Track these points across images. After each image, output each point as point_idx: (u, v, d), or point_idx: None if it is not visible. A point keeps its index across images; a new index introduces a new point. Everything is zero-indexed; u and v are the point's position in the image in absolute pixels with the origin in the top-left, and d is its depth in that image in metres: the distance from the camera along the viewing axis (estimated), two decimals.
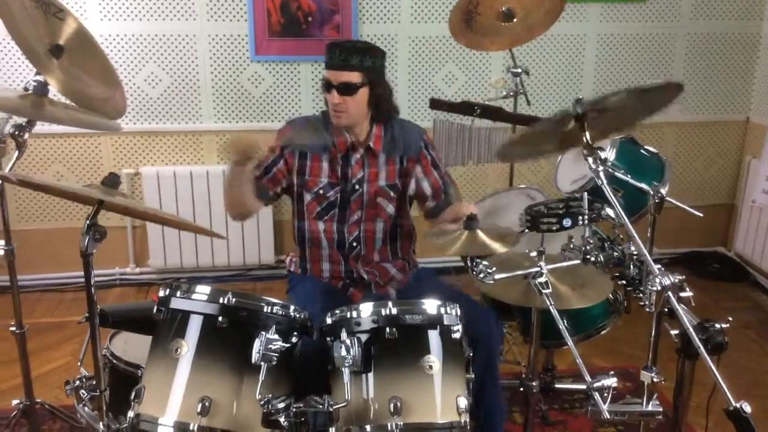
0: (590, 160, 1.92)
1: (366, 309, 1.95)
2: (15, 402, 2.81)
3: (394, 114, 2.69)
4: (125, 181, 4.15)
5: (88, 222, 1.77)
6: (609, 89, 4.37)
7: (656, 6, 4.33)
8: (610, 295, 2.61)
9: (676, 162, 4.66)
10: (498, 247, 1.99)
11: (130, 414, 1.88)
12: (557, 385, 3.24)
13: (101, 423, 1.88)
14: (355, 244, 2.68)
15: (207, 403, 1.83)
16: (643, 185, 2.46)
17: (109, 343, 2.37)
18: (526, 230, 2.13)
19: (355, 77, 2.48)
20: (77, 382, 1.98)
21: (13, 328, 2.73)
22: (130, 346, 2.32)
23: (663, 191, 2.41)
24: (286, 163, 2.62)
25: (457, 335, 1.97)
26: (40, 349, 3.56)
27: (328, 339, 1.98)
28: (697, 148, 4.67)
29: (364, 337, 1.91)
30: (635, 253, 2.37)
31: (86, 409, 1.95)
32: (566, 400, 3.28)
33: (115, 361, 2.28)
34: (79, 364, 2.13)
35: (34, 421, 2.89)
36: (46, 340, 3.68)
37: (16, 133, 2.25)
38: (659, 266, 2.46)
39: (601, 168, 1.94)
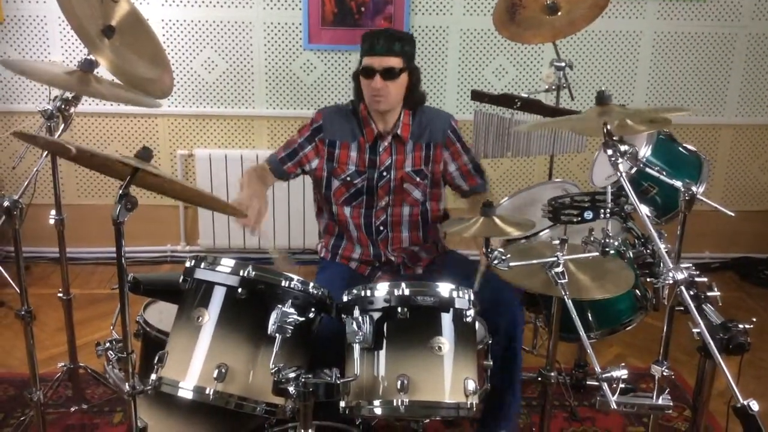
0: (609, 152, 1.92)
1: (380, 288, 2.00)
2: (60, 364, 2.96)
3: (422, 100, 2.77)
4: (179, 161, 4.30)
5: (120, 192, 1.85)
6: (663, 88, 4.33)
7: (716, 4, 4.23)
8: (638, 291, 2.60)
9: (731, 165, 4.55)
10: (513, 232, 2.01)
11: (153, 377, 1.98)
12: (588, 382, 3.24)
13: (127, 384, 1.97)
14: (382, 228, 2.75)
15: (224, 370, 1.91)
16: (676, 182, 2.43)
17: (144, 311, 2.49)
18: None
19: (397, 62, 2.59)
20: (107, 344, 2.08)
21: (60, 295, 2.89)
22: (165, 316, 2.43)
23: (695, 189, 2.37)
24: (316, 149, 2.70)
25: (469, 319, 2.00)
26: (91, 318, 3.74)
27: (343, 316, 2.05)
28: (754, 151, 4.55)
29: (376, 315, 1.97)
30: (667, 249, 2.35)
31: (114, 370, 2.04)
32: (596, 396, 3.25)
33: (147, 329, 2.40)
34: (111, 328, 2.25)
35: (78, 384, 3.05)
36: (97, 310, 3.85)
37: (63, 106, 2.37)
38: (688, 265, 2.46)
39: (621, 161, 1.94)
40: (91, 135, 4.27)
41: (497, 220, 2.02)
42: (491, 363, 2.26)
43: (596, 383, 1.96)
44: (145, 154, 1.93)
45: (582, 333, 1.96)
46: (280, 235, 4.35)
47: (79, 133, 4.24)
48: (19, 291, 2.39)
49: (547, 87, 3.30)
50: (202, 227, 4.38)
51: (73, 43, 4.06)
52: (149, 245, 4.41)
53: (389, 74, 2.58)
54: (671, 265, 1.86)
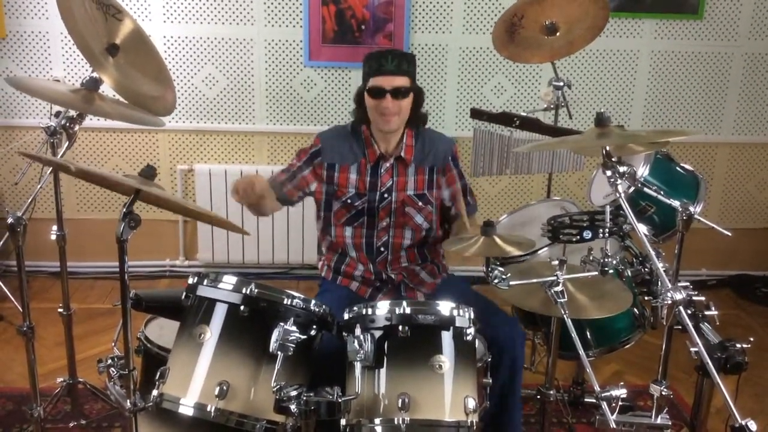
0: (608, 173, 1.94)
1: (381, 307, 2.01)
2: (59, 379, 2.97)
3: (424, 120, 2.80)
4: (179, 176, 4.33)
5: (124, 210, 1.87)
6: (660, 107, 4.36)
7: (713, 24, 4.28)
8: (636, 310, 2.62)
9: (728, 183, 4.59)
10: (513, 251, 2.03)
11: (155, 393, 1.99)
12: (586, 399, 3.25)
13: (128, 401, 1.98)
14: (382, 249, 2.76)
15: (225, 387, 1.92)
16: (674, 202, 2.45)
17: (145, 327, 2.50)
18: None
19: (405, 81, 2.62)
20: (109, 361, 2.09)
21: (61, 310, 2.90)
22: (166, 332, 2.44)
23: (693, 209, 2.40)
24: (314, 173, 2.72)
25: (469, 337, 2.01)
26: (90, 333, 3.74)
27: (344, 334, 2.06)
28: (750, 169, 4.59)
29: (377, 334, 1.98)
30: (665, 268, 2.38)
31: (116, 387, 2.05)
32: (595, 413, 3.26)
33: (148, 345, 2.41)
34: (113, 344, 2.26)
35: (76, 399, 3.06)
36: (96, 324, 3.86)
37: (67, 124, 2.39)
38: (686, 283, 2.48)
39: (620, 182, 1.96)
40: (92, 150, 4.29)
41: (497, 239, 2.05)
42: (491, 381, 2.27)
43: (594, 400, 1.98)
44: (149, 172, 1.95)
45: (582, 353, 1.98)
46: (279, 250, 4.37)
47: (80, 148, 4.26)
48: (21, 308, 2.40)
49: (545, 106, 3.33)
50: (201, 242, 4.39)
51: (75, 59, 4.09)
52: (148, 260, 4.42)
53: (399, 93, 2.59)
54: (669, 286, 1.88)
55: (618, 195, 1.94)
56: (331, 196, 2.74)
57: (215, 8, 4.12)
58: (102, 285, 4.34)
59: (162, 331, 2.48)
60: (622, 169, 1.94)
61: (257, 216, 2.77)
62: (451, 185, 2.82)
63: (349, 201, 2.72)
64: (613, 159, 1.96)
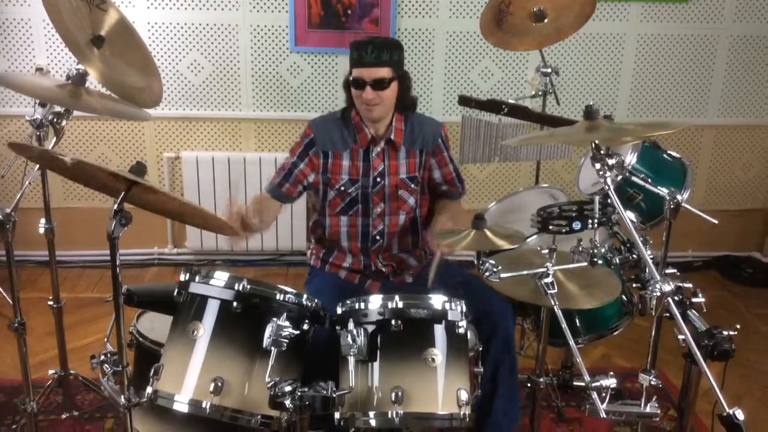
0: (597, 166, 1.95)
1: (374, 301, 2.03)
2: (51, 372, 2.97)
3: (414, 105, 2.80)
4: (166, 164, 4.30)
5: (115, 207, 1.87)
6: (647, 90, 4.38)
7: (699, 7, 4.28)
8: (624, 297, 2.64)
9: (713, 165, 4.62)
10: (503, 245, 2.04)
11: (149, 390, 1.99)
12: (575, 383, 3.29)
13: (122, 396, 1.99)
14: (378, 237, 2.77)
15: (220, 383, 1.93)
16: (661, 190, 2.47)
17: (137, 321, 2.51)
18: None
19: (387, 72, 2.60)
20: (102, 357, 2.09)
21: (51, 303, 2.89)
22: (157, 325, 2.44)
23: (680, 197, 2.42)
24: (311, 164, 2.72)
25: (461, 330, 2.03)
26: (79, 322, 3.74)
27: (338, 328, 2.07)
28: (735, 151, 4.62)
29: (370, 328, 1.99)
30: (652, 256, 2.40)
31: (110, 383, 2.06)
32: (584, 398, 3.30)
33: (140, 339, 2.41)
34: (105, 340, 2.26)
35: (68, 390, 3.06)
36: (85, 313, 3.86)
37: (54, 120, 2.37)
38: (673, 270, 2.51)
39: (609, 174, 1.98)
40: (76, 138, 4.25)
41: (488, 233, 2.06)
42: (482, 370, 2.30)
43: (583, 384, 2.01)
44: (139, 169, 1.94)
45: (572, 343, 2.00)
46: (269, 236, 4.36)
47: (65, 137, 4.18)
48: (12, 302, 2.40)
49: (533, 92, 3.33)
50: (189, 230, 4.38)
51: (58, 47, 4.04)
52: (136, 248, 4.41)
53: (380, 85, 2.59)
54: (658, 277, 1.90)
55: (607, 188, 1.95)
56: (326, 185, 2.75)
57: None
58: (90, 274, 4.33)
59: (153, 324, 2.49)
60: (611, 161, 1.95)
61: (266, 229, 2.75)
62: (442, 167, 2.84)
63: (342, 188, 2.73)
64: (601, 151, 1.97)
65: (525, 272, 2.07)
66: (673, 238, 2.48)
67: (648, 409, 1.98)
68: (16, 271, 2.39)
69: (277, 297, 2.02)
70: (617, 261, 2.65)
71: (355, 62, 2.62)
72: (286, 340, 1.93)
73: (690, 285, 2.25)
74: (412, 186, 2.77)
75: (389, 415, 1.92)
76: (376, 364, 1.98)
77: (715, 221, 2.37)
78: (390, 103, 2.67)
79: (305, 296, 2.09)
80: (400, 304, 2.00)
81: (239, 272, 4.32)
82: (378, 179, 2.74)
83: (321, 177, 2.74)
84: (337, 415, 1.97)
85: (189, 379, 1.97)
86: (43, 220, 2.78)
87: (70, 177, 2.07)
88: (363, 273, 2.79)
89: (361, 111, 2.68)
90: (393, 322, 1.98)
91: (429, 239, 2.72)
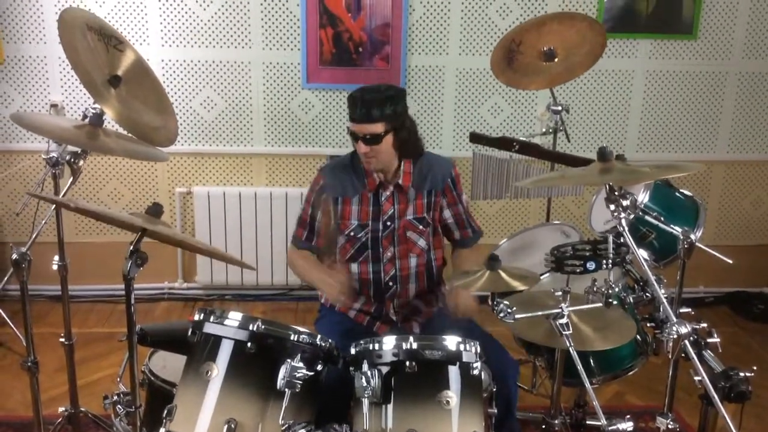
0: (612, 207, 1.96)
1: (388, 342, 2.02)
2: (61, 409, 2.96)
3: (420, 151, 2.76)
4: (178, 199, 4.33)
5: (131, 248, 1.88)
6: (656, 126, 4.39)
7: (707, 43, 4.31)
8: (638, 337, 2.63)
9: (723, 201, 4.62)
10: (518, 286, 2.04)
11: (162, 431, 1.99)
12: (588, 422, 3.26)
13: None
14: (391, 283, 2.75)
15: (233, 425, 1.92)
16: (674, 229, 2.47)
17: (149, 360, 2.50)
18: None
19: (378, 128, 2.55)
20: (115, 397, 2.09)
21: (62, 339, 2.89)
22: (170, 363, 2.44)
23: (693, 236, 2.41)
24: (325, 211, 2.72)
25: (476, 372, 2.02)
26: (90, 357, 3.73)
27: (351, 369, 2.06)
28: (745, 187, 4.62)
29: (384, 369, 1.99)
30: (666, 295, 2.39)
31: (122, 423, 2.06)
32: None
33: (152, 378, 2.40)
34: (118, 380, 2.26)
35: (78, 428, 3.04)
36: (95, 349, 3.84)
37: (72, 160, 2.39)
38: (688, 310, 2.49)
39: (623, 215, 1.98)
40: (89, 174, 4.28)
41: (503, 274, 2.06)
42: (496, 410, 2.28)
43: (598, 423, 1.99)
44: (156, 210, 1.96)
45: (587, 385, 1.99)
46: (278, 271, 4.37)
47: None
48: (24, 341, 2.40)
49: (544, 129, 3.35)
50: (199, 264, 4.38)
51: (73, 84, 4.09)
52: (146, 282, 4.42)
53: (372, 140, 2.55)
54: (674, 319, 1.89)
55: (622, 229, 1.95)
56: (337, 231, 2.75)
57: (213, 32, 4.13)
58: (101, 309, 4.32)
59: (165, 362, 2.48)
60: (625, 203, 1.95)
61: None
62: (452, 207, 2.82)
63: (352, 233, 2.72)
64: (615, 192, 1.97)
65: (540, 313, 2.06)
66: (685, 274, 2.47)
67: None
68: (29, 308, 2.39)
69: (292, 338, 2.02)
70: (631, 300, 2.63)
71: (349, 116, 2.60)
72: (300, 382, 1.93)
73: (705, 325, 2.24)
74: (421, 227, 2.75)
75: None
76: (390, 407, 1.97)
77: (730, 261, 2.37)
78: (387, 156, 2.63)
79: (319, 337, 2.08)
80: (415, 345, 1.99)
81: (249, 307, 4.38)
82: (388, 223, 2.73)
83: (333, 222, 2.74)
84: None
85: (202, 420, 1.97)
86: (56, 257, 2.79)
87: (86, 214, 2.08)
88: (372, 315, 2.78)
89: (362, 160, 2.67)
90: (407, 363, 1.97)
91: (447, 300, 2.69)
